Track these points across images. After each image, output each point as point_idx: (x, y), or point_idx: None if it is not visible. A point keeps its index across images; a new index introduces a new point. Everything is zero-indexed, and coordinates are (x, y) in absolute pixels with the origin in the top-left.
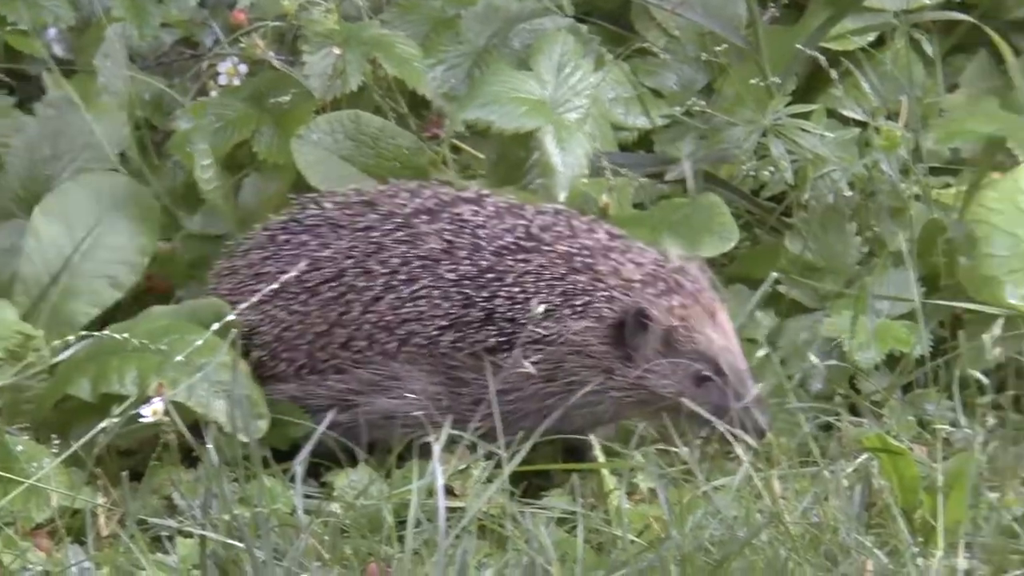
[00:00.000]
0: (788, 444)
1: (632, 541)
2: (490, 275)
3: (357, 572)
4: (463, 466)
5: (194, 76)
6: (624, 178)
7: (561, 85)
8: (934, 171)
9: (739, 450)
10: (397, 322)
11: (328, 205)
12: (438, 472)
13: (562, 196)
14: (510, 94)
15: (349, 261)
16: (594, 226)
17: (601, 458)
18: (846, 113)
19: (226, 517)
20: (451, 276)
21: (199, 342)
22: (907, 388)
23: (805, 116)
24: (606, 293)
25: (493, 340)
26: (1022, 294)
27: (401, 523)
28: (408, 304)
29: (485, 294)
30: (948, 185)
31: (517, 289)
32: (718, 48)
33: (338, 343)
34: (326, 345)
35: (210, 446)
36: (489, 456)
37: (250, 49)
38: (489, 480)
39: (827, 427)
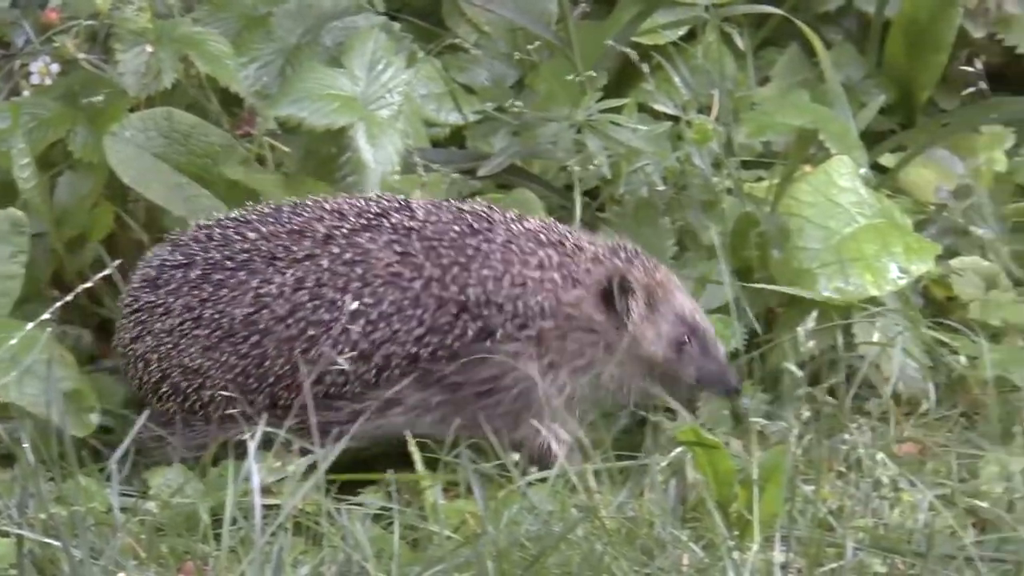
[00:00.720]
0: (603, 438)
1: (448, 537)
2: (456, 269)
3: (173, 570)
4: (278, 464)
5: (6, 76)
6: (436, 174)
7: (373, 82)
8: (746, 164)
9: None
10: (372, 348)
11: (251, 235)
12: (254, 470)
13: (373, 192)
14: (321, 91)
15: (301, 294)
16: (515, 214)
17: (417, 455)
18: (658, 107)
19: (42, 516)
20: (416, 285)
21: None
22: None
23: (617, 111)
24: (584, 265)
25: (471, 331)
26: (835, 287)
27: (217, 521)
28: (381, 324)
29: (455, 288)
30: (760, 178)
31: (487, 272)
32: (529, 44)
33: (305, 381)
34: (291, 385)
35: (26, 445)
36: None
37: (62, 48)
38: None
39: (642, 422)
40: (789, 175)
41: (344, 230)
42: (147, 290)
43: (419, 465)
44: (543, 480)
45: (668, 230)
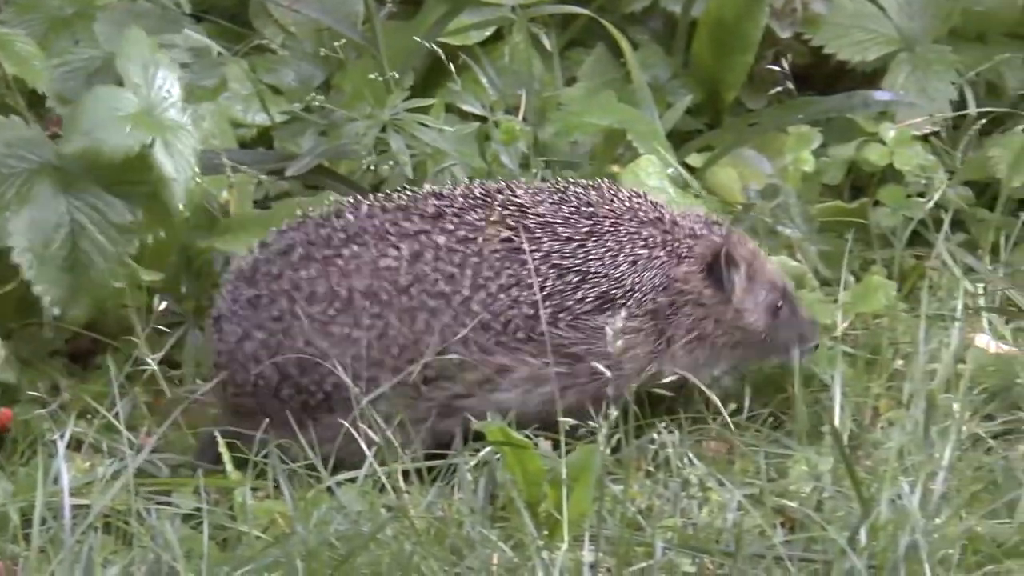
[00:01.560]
0: (414, 438)
1: (257, 537)
2: (574, 243)
3: None
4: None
5: None
6: (244, 175)
7: (151, 85)
8: (554, 164)
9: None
10: (492, 317)
11: (350, 217)
12: (63, 470)
13: (180, 203)
14: (109, 115)
15: (420, 266)
16: (613, 189)
17: (227, 455)
18: (465, 107)
19: None
20: (537, 256)
21: None
22: None
23: (424, 111)
24: (685, 241)
25: (592, 296)
26: None
27: (28, 521)
28: (502, 295)
29: (575, 260)
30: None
31: (604, 249)
32: (336, 44)
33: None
34: (415, 357)
35: None
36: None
37: None
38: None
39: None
40: (597, 175)
41: (454, 208)
42: (243, 286)
43: (229, 465)
44: (352, 480)
45: None
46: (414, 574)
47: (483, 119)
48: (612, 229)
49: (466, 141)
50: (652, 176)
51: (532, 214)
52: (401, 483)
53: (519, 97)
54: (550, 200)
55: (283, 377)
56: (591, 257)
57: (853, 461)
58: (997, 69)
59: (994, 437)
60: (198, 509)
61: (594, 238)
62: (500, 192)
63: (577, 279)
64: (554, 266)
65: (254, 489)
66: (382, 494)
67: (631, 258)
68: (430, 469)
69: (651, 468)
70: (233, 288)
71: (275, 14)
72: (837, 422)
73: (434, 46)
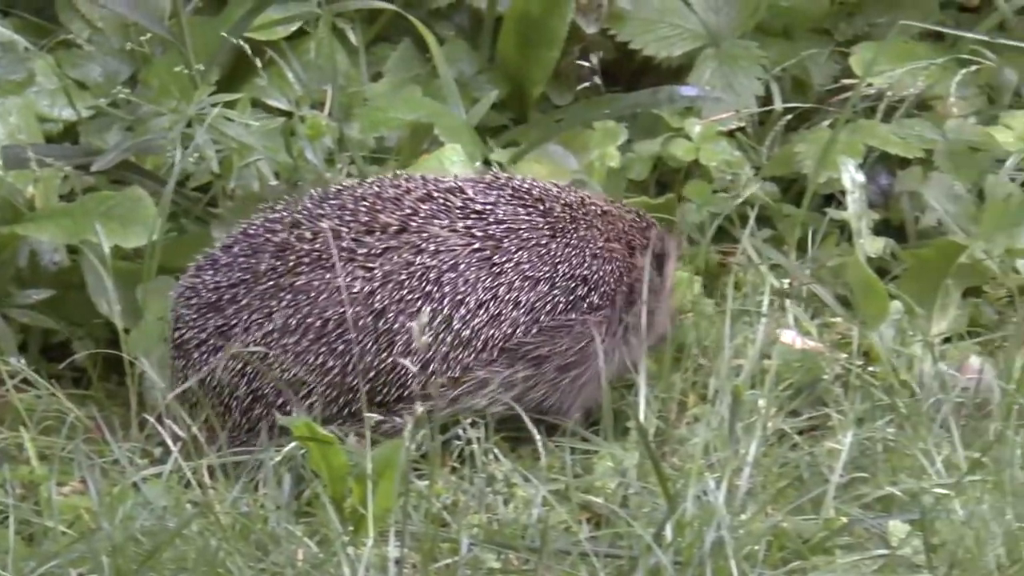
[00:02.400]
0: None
1: (63, 532)
2: (540, 249)
3: None
4: None
5: None
6: (50, 169)
7: None
8: (363, 159)
9: None
10: (472, 334)
11: (308, 235)
12: None
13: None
14: None
15: (393, 288)
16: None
17: (32, 451)
18: (271, 102)
19: None
20: (508, 268)
21: None
22: None
23: (230, 105)
24: (632, 231)
25: (562, 304)
26: None
27: None
28: (480, 311)
29: (544, 267)
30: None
31: (568, 249)
32: (143, 39)
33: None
34: (392, 379)
35: None
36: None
37: None
38: None
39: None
40: (404, 169)
41: (418, 220)
42: (210, 315)
43: (34, 460)
44: (158, 475)
45: None
46: (220, 570)
47: (289, 114)
48: (572, 225)
49: (272, 136)
50: (455, 164)
51: (496, 219)
52: (207, 478)
53: (325, 92)
54: (503, 200)
55: (255, 399)
56: (558, 260)
57: (659, 457)
58: (803, 65)
59: (799, 433)
60: (3, 504)
61: (557, 239)
62: (452, 193)
63: (546, 288)
64: (524, 276)
65: (60, 484)
66: (187, 489)
67: (594, 252)
68: (236, 464)
69: (456, 464)
70: (197, 315)
71: (81, 9)
72: (642, 418)
73: (240, 41)
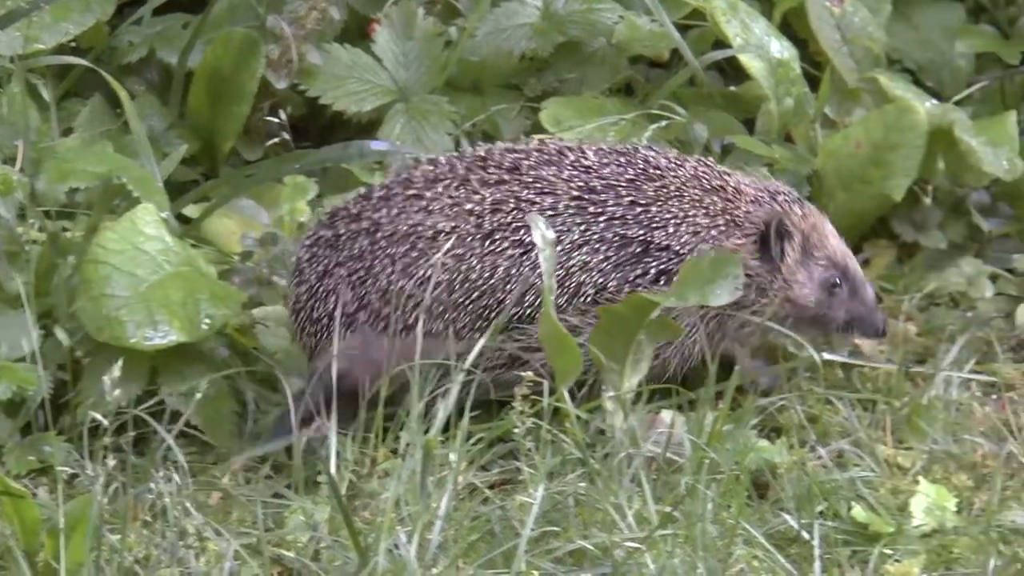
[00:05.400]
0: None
1: None
2: (637, 209)
3: None
4: None
5: None
6: None
7: None
8: (54, 214)
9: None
10: (566, 274)
11: (428, 167)
12: None
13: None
14: None
15: (501, 215)
16: (683, 157)
17: None
18: None
19: None
20: (602, 219)
21: None
22: (27, 430)
23: None
24: (744, 208)
25: (653, 271)
26: (143, 334)
27: None
28: (574, 254)
29: (638, 229)
30: (66, 229)
31: (669, 216)
32: None
33: (506, 300)
34: (494, 302)
35: None
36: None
37: None
38: None
39: None
40: (95, 224)
41: (529, 162)
42: (324, 228)
43: None
44: None
45: None
46: None
47: None
48: (677, 196)
49: None
50: (149, 224)
51: (600, 176)
52: None
53: (16, 147)
54: (617, 163)
55: (361, 307)
56: (655, 225)
57: (350, 511)
58: (492, 120)
59: (491, 487)
60: None
61: (657, 205)
62: (570, 151)
63: (639, 249)
64: (617, 234)
65: None
66: None
67: (692, 228)
68: None
69: (148, 518)
70: (312, 234)
71: None
72: (334, 471)
73: None
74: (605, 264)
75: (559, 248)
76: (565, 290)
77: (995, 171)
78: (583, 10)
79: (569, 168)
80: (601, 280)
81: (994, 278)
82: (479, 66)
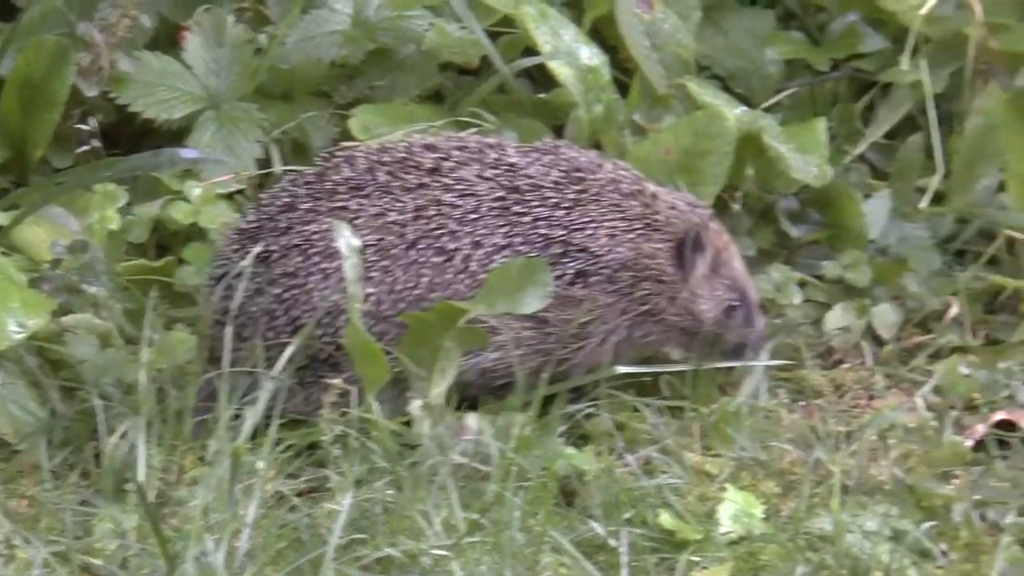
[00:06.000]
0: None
1: None
2: (560, 212)
3: None
4: None
5: None
6: None
7: None
8: None
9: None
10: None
11: (346, 171)
12: None
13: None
14: None
15: (423, 222)
16: (601, 159)
17: None
18: None
19: None
20: (527, 220)
21: None
22: None
23: None
24: (662, 215)
25: (570, 273)
26: None
27: None
28: (496, 257)
29: (559, 231)
30: None
31: (587, 219)
32: None
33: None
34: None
35: None
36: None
37: None
38: None
39: None
40: None
41: (450, 163)
42: (248, 243)
43: None
44: None
45: None
46: None
47: None
48: (596, 199)
49: None
50: None
51: (525, 175)
52: None
53: None
54: (540, 162)
55: (295, 332)
56: (575, 227)
57: (159, 519)
58: (302, 127)
59: (299, 495)
60: None
61: (579, 208)
62: (490, 148)
63: (560, 250)
64: (540, 235)
65: None
66: None
67: (611, 231)
68: None
69: None
70: (238, 245)
71: None
72: (142, 479)
73: None
74: None
75: (482, 252)
76: None
77: (804, 178)
78: (393, 17)
79: (491, 168)
80: None
81: (803, 284)
82: (289, 73)
